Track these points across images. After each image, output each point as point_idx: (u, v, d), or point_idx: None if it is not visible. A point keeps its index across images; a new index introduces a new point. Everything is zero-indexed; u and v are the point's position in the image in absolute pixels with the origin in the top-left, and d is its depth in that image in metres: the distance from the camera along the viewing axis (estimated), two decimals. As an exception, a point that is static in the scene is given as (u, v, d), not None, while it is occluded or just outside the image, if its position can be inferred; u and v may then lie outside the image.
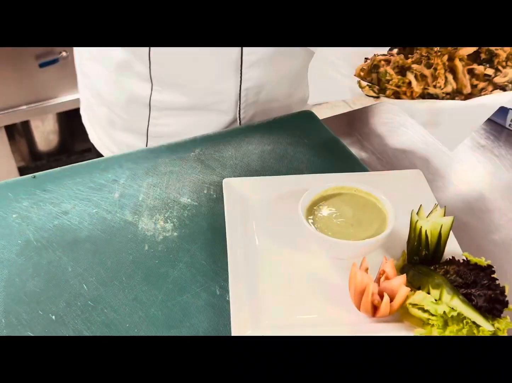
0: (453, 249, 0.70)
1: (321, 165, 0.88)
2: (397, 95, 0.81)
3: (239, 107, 1.01)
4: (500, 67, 0.80)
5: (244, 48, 0.93)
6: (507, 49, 0.80)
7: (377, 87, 0.82)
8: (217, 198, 0.81)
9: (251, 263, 0.70)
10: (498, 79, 0.78)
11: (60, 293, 0.68)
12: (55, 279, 0.69)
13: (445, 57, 0.78)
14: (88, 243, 0.74)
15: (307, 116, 1.00)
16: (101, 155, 1.14)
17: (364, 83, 0.83)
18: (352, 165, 0.88)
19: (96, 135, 1.15)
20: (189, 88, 0.98)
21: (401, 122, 1.02)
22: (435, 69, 0.78)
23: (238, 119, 1.03)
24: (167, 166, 0.87)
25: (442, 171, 0.92)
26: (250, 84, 0.98)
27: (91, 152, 2.75)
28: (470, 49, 0.82)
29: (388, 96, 0.82)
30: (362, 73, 0.86)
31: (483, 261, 0.64)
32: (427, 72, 0.78)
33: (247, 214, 0.77)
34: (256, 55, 0.95)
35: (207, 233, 0.76)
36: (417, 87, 0.78)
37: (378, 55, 0.88)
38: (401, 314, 0.63)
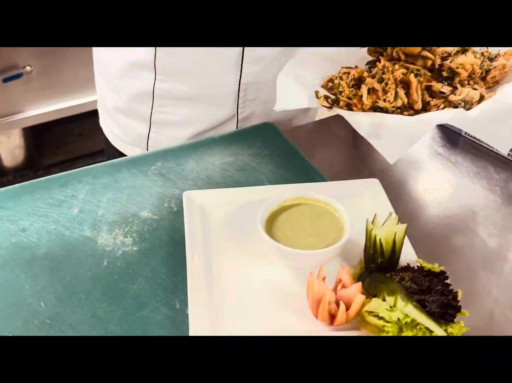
0: (409, 255, 0.71)
1: (281, 176, 0.89)
2: (350, 107, 0.83)
3: (238, 103, 1.03)
4: (458, 86, 0.83)
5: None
6: (469, 68, 0.83)
7: (331, 98, 0.84)
8: (178, 211, 0.81)
9: (210, 276, 0.70)
10: (452, 97, 0.80)
11: (17, 312, 0.67)
12: (12, 297, 0.69)
13: (398, 73, 0.80)
14: (46, 260, 0.73)
15: (269, 128, 1.01)
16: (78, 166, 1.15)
17: (321, 93, 0.85)
18: (311, 175, 0.89)
19: (104, 120, 1.18)
20: (190, 78, 1.00)
21: (361, 132, 1.04)
22: (386, 83, 0.80)
23: (236, 116, 1.05)
24: (128, 180, 0.87)
25: (400, 180, 0.94)
26: (250, 80, 1.00)
27: (58, 166, 2.72)
28: (415, 49, 0.84)
29: (341, 107, 0.83)
30: (330, 84, 0.88)
31: (436, 267, 0.66)
32: (377, 86, 0.80)
33: (207, 226, 0.77)
34: (258, 51, 0.97)
35: (167, 247, 0.76)
36: (367, 100, 0.80)
37: (344, 67, 0.90)
38: (358, 321, 0.64)
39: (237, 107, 1.03)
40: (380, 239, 0.67)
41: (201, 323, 0.64)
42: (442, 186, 0.93)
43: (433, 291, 0.64)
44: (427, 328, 0.59)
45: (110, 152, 1.16)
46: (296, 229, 0.72)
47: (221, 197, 0.81)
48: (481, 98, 0.81)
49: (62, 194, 0.84)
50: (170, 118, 1.05)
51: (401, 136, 0.74)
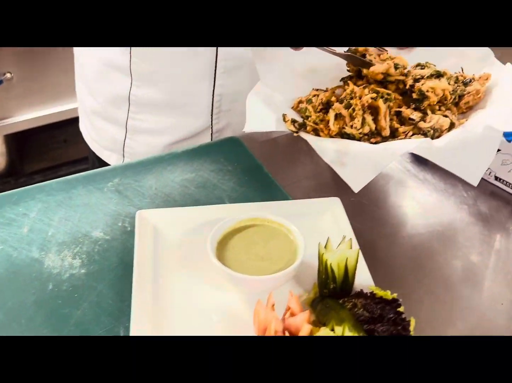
0: (366, 280, 0.69)
1: (242, 194, 0.87)
2: (316, 132, 0.80)
3: (212, 113, 1.01)
4: (429, 112, 0.80)
5: (219, 53, 0.93)
6: (439, 92, 0.80)
7: (298, 122, 0.81)
8: (131, 231, 0.78)
9: (157, 302, 0.67)
10: (422, 124, 0.78)
11: (-46, 339, 0.64)
12: (-50, 323, 0.66)
13: (366, 98, 0.77)
14: (-11, 283, 0.71)
15: (233, 143, 0.98)
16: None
17: (288, 117, 0.81)
18: (274, 193, 0.87)
19: (83, 123, 1.17)
20: (164, 85, 0.98)
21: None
22: (353, 109, 0.77)
23: (210, 127, 1.04)
24: (82, 197, 0.85)
25: (368, 197, 0.92)
26: (224, 91, 0.99)
27: (41, 173, 2.69)
28: (379, 70, 0.82)
29: (308, 132, 0.80)
30: (300, 106, 0.85)
31: (389, 294, 0.63)
32: (344, 112, 0.77)
33: (159, 248, 0.74)
34: (231, 62, 0.95)
35: (117, 269, 0.73)
36: (333, 126, 0.77)
37: (314, 89, 0.88)
38: (308, 351, 0.62)
39: (212, 118, 1.01)
40: (331, 264, 0.64)
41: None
42: (409, 204, 0.91)
43: (385, 320, 0.62)
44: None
45: (91, 158, 1.15)
46: (248, 252, 0.69)
47: (176, 216, 0.78)
48: (451, 125, 0.78)
49: (13, 212, 0.81)
50: (145, 125, 1.04)
51: (365, 165, 0.72)
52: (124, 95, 1.01)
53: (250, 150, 0.97)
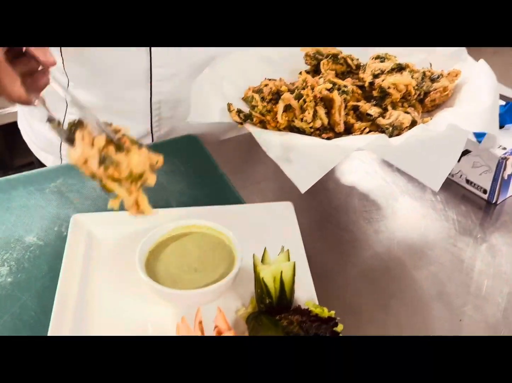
0: (309, 295, 0.63)
1: (191, 197, 0.81)
2: (264, 125, 0.74)
3: (151, 120, 0.96)
4: (389, 108, 0.74)
5: (153, 61, 0.88)
6: (402, 88, 0.74)
7: (244, 113, 0.75)
8: (66, 236, 0.73)
9: (80, 315, 0.62)
10: (380, 121, 0.71)
11: None
12: None
13: (319, 89, 0.71)
14: None
15: (191, 142, 0.93)
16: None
17: (234, 106, 0.76)
18: (226, 196, 0.81)
19: (22, 125, 1.12)
20: (100, 89, 0.93)
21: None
22: (304, 101, 0.71)
23: (151, 133, 0.98)
24: (21, 199, 0.79)
25: (329, 201, 0.86)
26: (163, 98, 0.93)
27: (31, 166, 2.66)
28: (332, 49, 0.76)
29: (254, 124, 0.75)
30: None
31: (325, 312, 0.58)
32: (294, 103, 0.71)
33: (90, 255, 0.69)
34: (168, 69, 0.90)
35: (45, 278, 0.68)
36: (281, 118, 0.71)
37: (267, 79, 0.82)
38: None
39: (151, 125, 0.96)
40: (263, 278, 0.58)
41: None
42: (372, 210, 0.84)
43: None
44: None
45: (34, 159, 1.10)
46: (181, 263, 0.64)
47: (112, 221, 0.73)
48: (413, 123, 0.72)
49: None
50: None
51: (313, 162, 0.65)
52: (60, 95, 0.96)
53: (208, 149, 0.92)
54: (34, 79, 0.60)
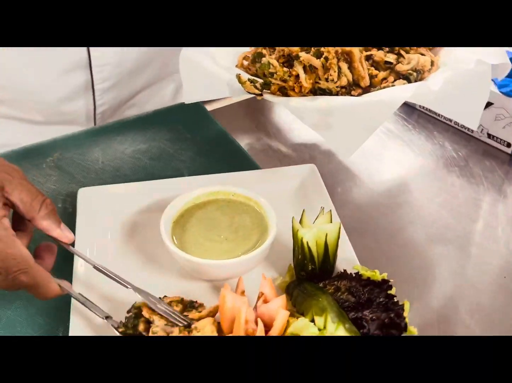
0: (349, 259, 0.58)
1: (204, 164, 0.75)
2: (284, 92, 0.68)
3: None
4: (403, 53, 0.69)
5: (95, 78, 0.82)
6: None
7: (260, 81, 0.68)
8: (74, 213, 0.67)
9: (104, 294, 0.56)
10: (401, 67, 0.66)
11: None
12: None
13: None
14: None
15: (193, 108, 0.86)
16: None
17: (244, 77, 0.68)
18: (240, 163, 0.75)
19: None
20: (30, 108, 0.85)
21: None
22: (326, 58, 0.65)
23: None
24: (17, 176, 0.72)
25: (345, 164, 0.81)
26: (107, 107, 0.88)
27: None
28: None
29: (273, 93, 0.68)
30: (245, 63, 0.73)
31: (377, 275, 0.53)
32: (316, 62, 0.64)
33: (103, 231, 0.63)
34: (109, 82, 0.84)
35: (56, 258, 0.62)
36: (306, 81, 0.65)
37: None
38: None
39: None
40: (307, 242, 0.53)
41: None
42: (395, 170, 0.80)
43: (374, 305, 0.52)
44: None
45: None
46: (210, 232, 0.59)
47: (125, 193, 0.66)
48: (432, 64, 0.68)
49: None
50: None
51: (357, 124, 0.59)
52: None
53: (213, 115, 0.86)
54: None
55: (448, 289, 0.62)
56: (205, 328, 0.50)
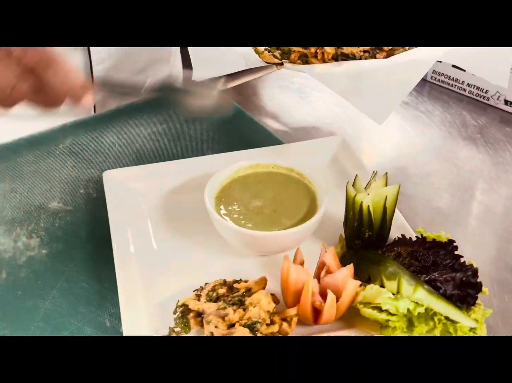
0: (400, 225, 0.56)
1: (227, 142, 0.72)
2: (304, 60, 0.65)
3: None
4: None
5: (93, 59, 0.78)
6: None
7: (278, 51, 0.65)
8: (98, 198, 0.63)
9: (148, 276, 0.53)
10: None
11: None
12: None
13: None
14: None
15: (203, 88, 0.83)
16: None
17: (261, 47, 0.65)
18: (264, 139, 0.72)
19: None
20: None
21: (312, 86, 0.88)
22: None
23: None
24: (30, 165, 0.68)
25: (364, 136, 0.79)
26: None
27: None
28: None
29: (293, 62, 0.65)
30: None
31: (442, 236, 0.51)
32: None
33: (137, 212, 0.59)
34: (106, 63, 0.79)
35: (87, 245, 0.58)
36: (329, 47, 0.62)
37: None
38: (350, 317, 0.49)
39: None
40: (368, 206, 0.51)
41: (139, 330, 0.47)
42: (415, 140, 0.79)
43: (441, 267, 0.50)
44: (447, 319, 0.44)
45: None
46: (255, 205, 0.55)
47: (154, 173, 0.63)
48: None
49: None
50: None
51: (389, 87, 0.57)
52: None
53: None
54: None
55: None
56: (261, 301, 0.47)
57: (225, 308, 0.47)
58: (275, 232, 0.51)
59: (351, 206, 0.53)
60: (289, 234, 0.52)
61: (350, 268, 0.48)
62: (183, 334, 0.47)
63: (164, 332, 0.47)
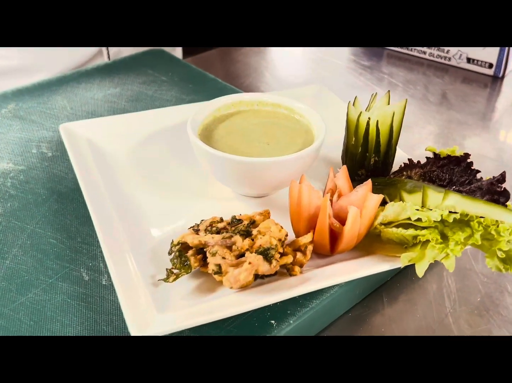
0: (398, 155, 0.52)
1: (194, 100, 0.66)
2: None
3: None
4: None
5: None
6: None
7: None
8: (55, 156, 0.54)
9: (130, 223, 0.45)
10: None
11: None
12: None
13: None
14: None
15: (159, 54, 0.77)
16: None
17: None
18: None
19: None
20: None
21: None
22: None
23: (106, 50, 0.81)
24: (-31, 129, 0.58)
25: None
26: None
27: None
28: None
29: None
30: None
31: (455, 150, 0.47)
32: None
33: (106, 162, 0.51)
34: None
35: (49, 202, 0.49)
36: None
37: None
38: (368, 245, 0.43)
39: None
40: (377, 122, 0.46)
41: (137, 298, 0.38)
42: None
43: (457, 185, 0.45)
44: (483, 225, 0.39)
45: None
46: (246, 139, 0.49)
47: (118, 124, 0.55)
48: None
49: None
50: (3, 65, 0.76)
51: None
52: None
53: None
54: None
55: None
56: (270, 229, 0.41)
57: (231, 236, 0.40)
58: (273, 158, 0.45)
59: (354, 129, 0.48)
60: (288, 160, 0.45)
61: (368, 184, 0.43)
62: (184, 275, 0.40)
63: (161, 275, 0.40)
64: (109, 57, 0.80)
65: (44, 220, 0.47)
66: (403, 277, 0.47)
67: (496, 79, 0.79)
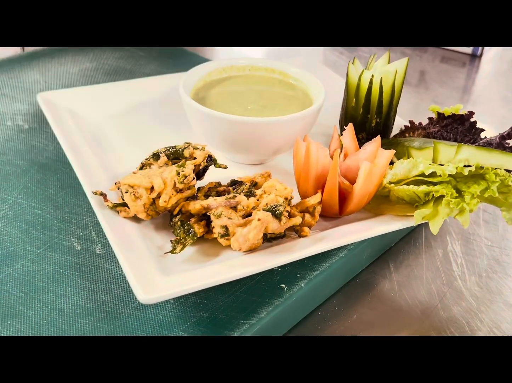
0: (397, 120, 0.50)
1: (176, 73, 0.62)
2: None
3: None
4: None
5: None
6: None
7: None
8: (32, 128, 0.51)
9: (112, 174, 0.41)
10: None
11: None
12: None
13: None
14: None
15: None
16: None
17: None
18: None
19: None
20: None
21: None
22: None
23: None
24: None
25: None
26: None
27: None
28: None
29: None
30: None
31: (459, 109, 0.46)
32: None
33: (89, 129, 0.48)
34: None
35: (30, 173, 0.45)
36: None
37: None
38: (375, 207, 0.41)
39: None
40: (381, 78, 0.44)
41: (141, 261, 0.35)
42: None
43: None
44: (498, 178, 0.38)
45: None
46: (241, 102, 0.47)
47: (99, 93, 0.52)
48: None
49: None
50: None
51: None
52: None
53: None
54: None
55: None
56: (276, 187, 0.38)
57: (235, 197, 0.37)
58: (274, 118, 0.42)
59: (354, 90, 0.46)
60: (290, 120, 0.43)
61: (376, 140, 0.41)
62: (191, 243, 0.37)
63: (168, 247, 0.37)
64: None
65: (26, 191, 0.43)
66: (406, 243, 0.45)
67: (474, 58, 0.79)
